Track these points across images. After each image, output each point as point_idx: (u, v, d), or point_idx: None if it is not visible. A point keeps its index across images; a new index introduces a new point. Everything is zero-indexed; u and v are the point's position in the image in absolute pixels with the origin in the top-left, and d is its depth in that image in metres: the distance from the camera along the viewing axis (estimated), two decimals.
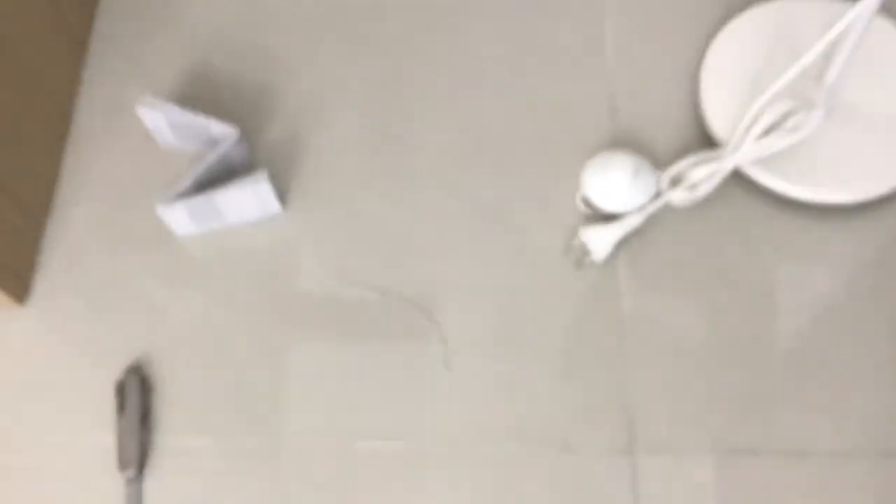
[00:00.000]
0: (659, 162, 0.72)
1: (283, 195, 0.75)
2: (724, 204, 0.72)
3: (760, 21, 0.78)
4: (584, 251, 0.70)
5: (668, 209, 0.71)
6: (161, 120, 0.75)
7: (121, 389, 0.67)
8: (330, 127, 0.78)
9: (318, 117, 0.79)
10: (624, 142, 0.75)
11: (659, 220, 0.71)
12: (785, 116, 0.69)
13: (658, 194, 0.71)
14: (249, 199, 0.72)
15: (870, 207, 0.70)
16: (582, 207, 0.72)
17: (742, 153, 0.69)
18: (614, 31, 0.81)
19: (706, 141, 0.74)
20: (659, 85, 0.78)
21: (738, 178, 0.72)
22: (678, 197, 0.70)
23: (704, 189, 0.70)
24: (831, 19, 0.60)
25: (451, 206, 0.74)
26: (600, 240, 0.70)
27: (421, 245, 0.73)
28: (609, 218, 0.70)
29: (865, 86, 0.72)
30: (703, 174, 0.69)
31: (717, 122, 0.73)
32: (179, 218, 0.72)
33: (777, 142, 0.69)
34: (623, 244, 0.70)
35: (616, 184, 0.70)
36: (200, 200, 0.71)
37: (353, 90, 0.80)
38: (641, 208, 0.70)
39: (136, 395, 0.66)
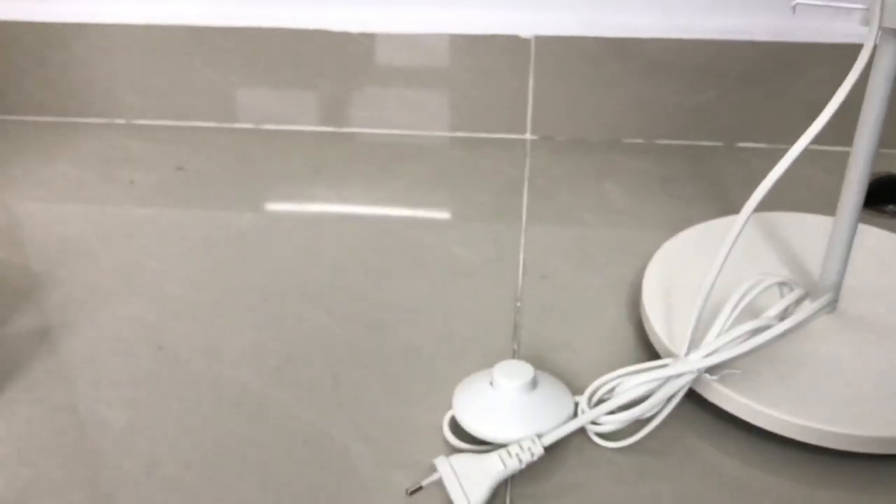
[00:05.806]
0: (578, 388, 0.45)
1: None
2: (675, 436, 0.43)
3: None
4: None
5: (586, 443, 0.43)
6: None
7: None
8: None
9: None
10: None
11: (574, 460, 0.42)
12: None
13: (572, 419, 0.43)
14: None
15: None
16: (449, 436, 0.43)
17: (706, 354, 0.43)
18: None
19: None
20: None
21: (696, 401, 0.45)
22: (605, 422, 0.43)
23: (648, 409, 0.42)
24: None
25: None
26: (469, 478, 0.40)
27: None
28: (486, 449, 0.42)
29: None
30: (644, 388, 0.43)
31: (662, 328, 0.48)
32: None
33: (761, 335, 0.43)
34: (506, 493, 0.41)
35: (503, 395, 0.42)
36: None
37: None
38: (536, 440, 0.41)
39: None
